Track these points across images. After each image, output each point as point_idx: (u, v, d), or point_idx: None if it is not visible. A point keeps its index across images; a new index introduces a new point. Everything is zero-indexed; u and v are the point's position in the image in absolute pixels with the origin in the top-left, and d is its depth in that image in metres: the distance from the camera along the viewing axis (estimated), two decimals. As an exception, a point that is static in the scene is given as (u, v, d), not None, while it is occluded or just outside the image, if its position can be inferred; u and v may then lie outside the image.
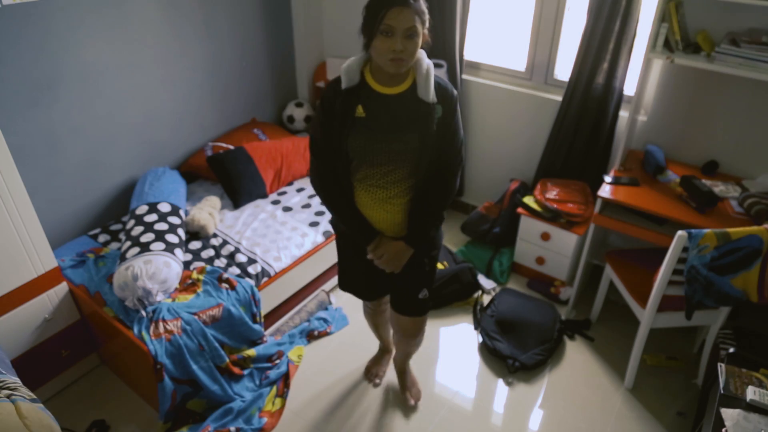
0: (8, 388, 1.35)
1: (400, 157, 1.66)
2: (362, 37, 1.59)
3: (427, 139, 1.63)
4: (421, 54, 1.62)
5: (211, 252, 2.60)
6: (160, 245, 2.34)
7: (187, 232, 2.67)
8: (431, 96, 1.61)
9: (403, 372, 2.41)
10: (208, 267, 2.44)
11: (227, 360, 2.28)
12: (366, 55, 1.63)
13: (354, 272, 2.06)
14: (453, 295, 2.90)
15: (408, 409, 2.37)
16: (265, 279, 2.52)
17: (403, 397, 2.39)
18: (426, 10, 1.54)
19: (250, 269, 2.50)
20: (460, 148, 1.74)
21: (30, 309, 2.16)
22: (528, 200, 2.93)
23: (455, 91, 1.68)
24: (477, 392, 2.46)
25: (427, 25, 1.55)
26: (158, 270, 2.22)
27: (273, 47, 3.51)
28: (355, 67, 1.63)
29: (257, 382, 2.41)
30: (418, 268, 1.91)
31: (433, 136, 1.64)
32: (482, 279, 3.06)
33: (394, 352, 2.45)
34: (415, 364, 2.49)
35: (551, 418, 2.34)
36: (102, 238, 2.69)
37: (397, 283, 1.98)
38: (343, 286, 2.12)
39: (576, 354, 2.65)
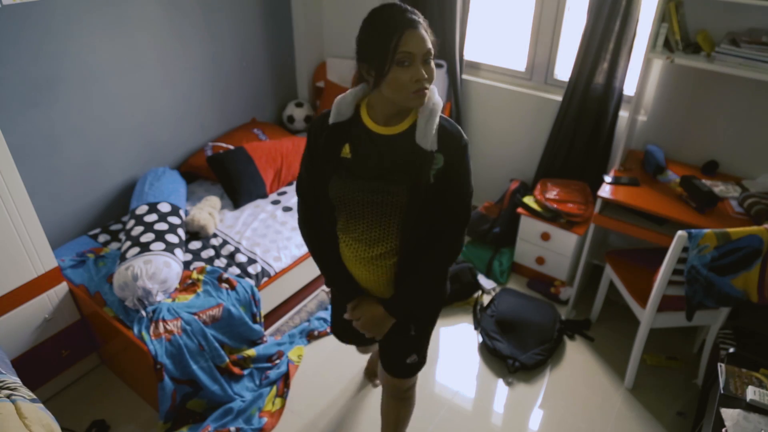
0: (8, 388, 1.35)
1: (385, 211, 1.41)
2: (364, 73, 1.34)
3: (418, 192, 1.36)
4: (431, 89, 1.36)
5: (211, 252, 2.60)
6: (160, 245, 2.34)
7: (187, 232, 2.67)
8: (430, 142, 1.34)
9: None
10: (208, 267, 2.45)
11: (227, 360, 2.28)
12: (366, 88, 1.40)
13: (344, 318, 1.71)
14: (453, 295, 2.89)
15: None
16: (265, 279, 2.52)
17: None
18: (429, 28, 1.33)
19: (250, 269, 2.50)
20: (466, 206, 1.46)
21: (30, 309, 2.16)
22: (528, 200, 2.93)
23: (464, 138, 1.39)
24: (477, 392, 2.46)
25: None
26: (158, 270, 2.22)
27: (273, 47, 3.51)
28: (350, 99, 1.40)
29: (257, 382, 2.41)
30: (403, 334, 1.63)
31: (428, 190, 1.37)
32: (482, 279, 3.06)
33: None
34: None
35: (551, 418, 2.34)
36: (102, 238, 2.69)
37: (382, 344, 1.73)
38: (335, 332, 1.89)
39: (576, 354, 2.65)
